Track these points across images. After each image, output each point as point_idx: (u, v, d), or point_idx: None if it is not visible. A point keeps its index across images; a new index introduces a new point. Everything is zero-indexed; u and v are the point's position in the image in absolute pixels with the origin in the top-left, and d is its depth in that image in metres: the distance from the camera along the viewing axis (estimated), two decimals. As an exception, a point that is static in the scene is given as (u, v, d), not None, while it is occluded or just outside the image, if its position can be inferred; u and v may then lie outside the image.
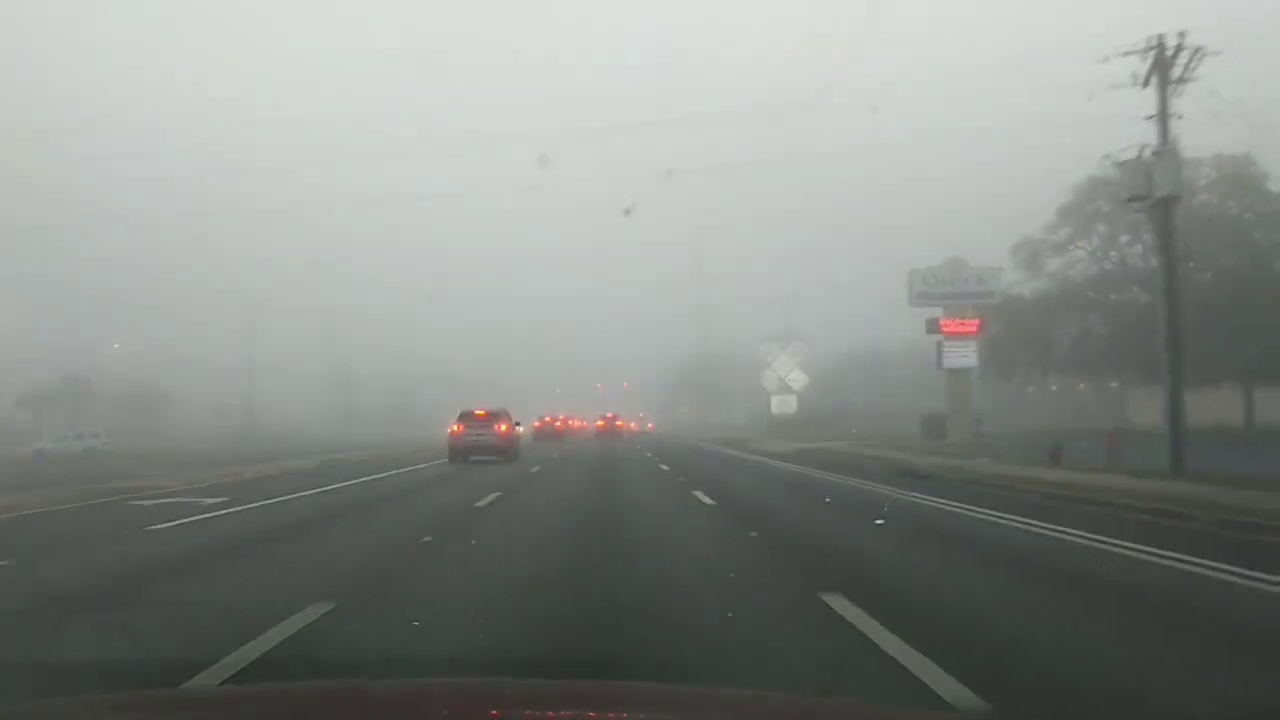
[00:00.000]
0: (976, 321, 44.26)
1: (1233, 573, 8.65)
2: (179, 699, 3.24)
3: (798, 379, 71.03)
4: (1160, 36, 20.39)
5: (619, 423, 74.14)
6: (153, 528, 13.33)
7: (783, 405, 70.74)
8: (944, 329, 44.36)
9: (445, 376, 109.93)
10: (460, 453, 30.41)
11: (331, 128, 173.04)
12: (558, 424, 70.94)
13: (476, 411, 32.40)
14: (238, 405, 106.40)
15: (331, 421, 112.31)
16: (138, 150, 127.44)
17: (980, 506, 15.11)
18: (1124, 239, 46.09)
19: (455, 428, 31.45)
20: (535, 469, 27.33)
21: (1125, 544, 10.63)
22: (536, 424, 68.11)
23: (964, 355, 43.05)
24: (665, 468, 27.51)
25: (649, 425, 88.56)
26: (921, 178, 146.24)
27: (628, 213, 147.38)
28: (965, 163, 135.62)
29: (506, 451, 30.85)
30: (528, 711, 2.66)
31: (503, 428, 31.77)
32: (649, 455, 37.13)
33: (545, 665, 5.36)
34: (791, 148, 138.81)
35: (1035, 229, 48.26)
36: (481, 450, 30.39)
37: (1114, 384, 62.97)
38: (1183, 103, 20.42)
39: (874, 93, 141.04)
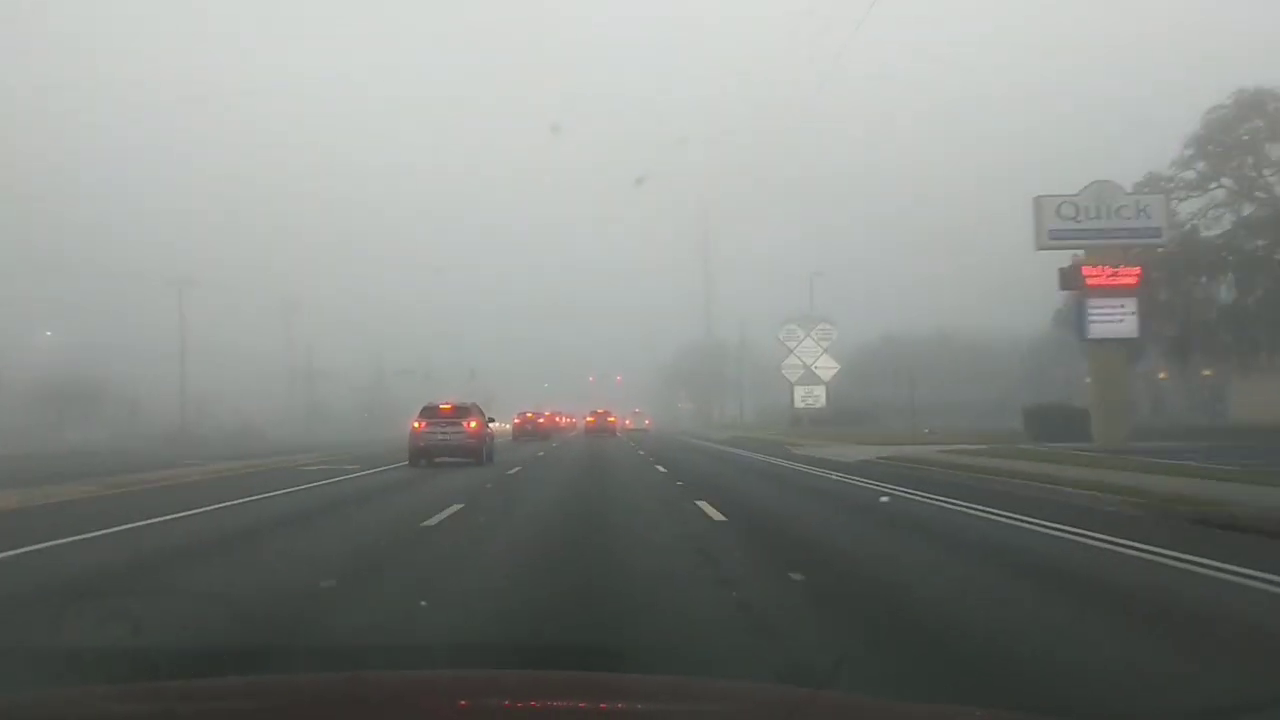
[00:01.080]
0: (1136, 270, 31.29)
1: None
2: (177, 691, 3.20)
3: (826, 367, 59.78)
4: None
5: (611, 419, 66.70)
6: None
7: (808, 398, 59.60)
8: (1088, 279, 31.34)
9: (423, 369, 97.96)
10: (422, 453, 26.47)
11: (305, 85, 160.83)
12: (541, 420, 62.66)
13: (441, 406, 28.12)
14: (190, 399, 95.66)
15: (296, 418, 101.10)
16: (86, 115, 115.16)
17: None
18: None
19: (416, 424, 27.28)
20: (514, 470, 24.28)
21: None
22: (516, 420, 59.83)
23: (1118, 319, 30.60)
24: (679, 483, 20.33)
25: (646, 422, 77.52)
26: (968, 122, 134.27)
27: (639, 182, 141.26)
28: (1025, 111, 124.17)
29: (476, 452, 26.74)
30: (523, 702, 2.67)
31: (472, 424, 27.32)
32: (643, 455, 32.44)
33: None
34: (813, 107, 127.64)
35: (1161, 164, 36.69)
36: (447, 451, 26.57)
37: (1206, 371, 51.75)
38: None
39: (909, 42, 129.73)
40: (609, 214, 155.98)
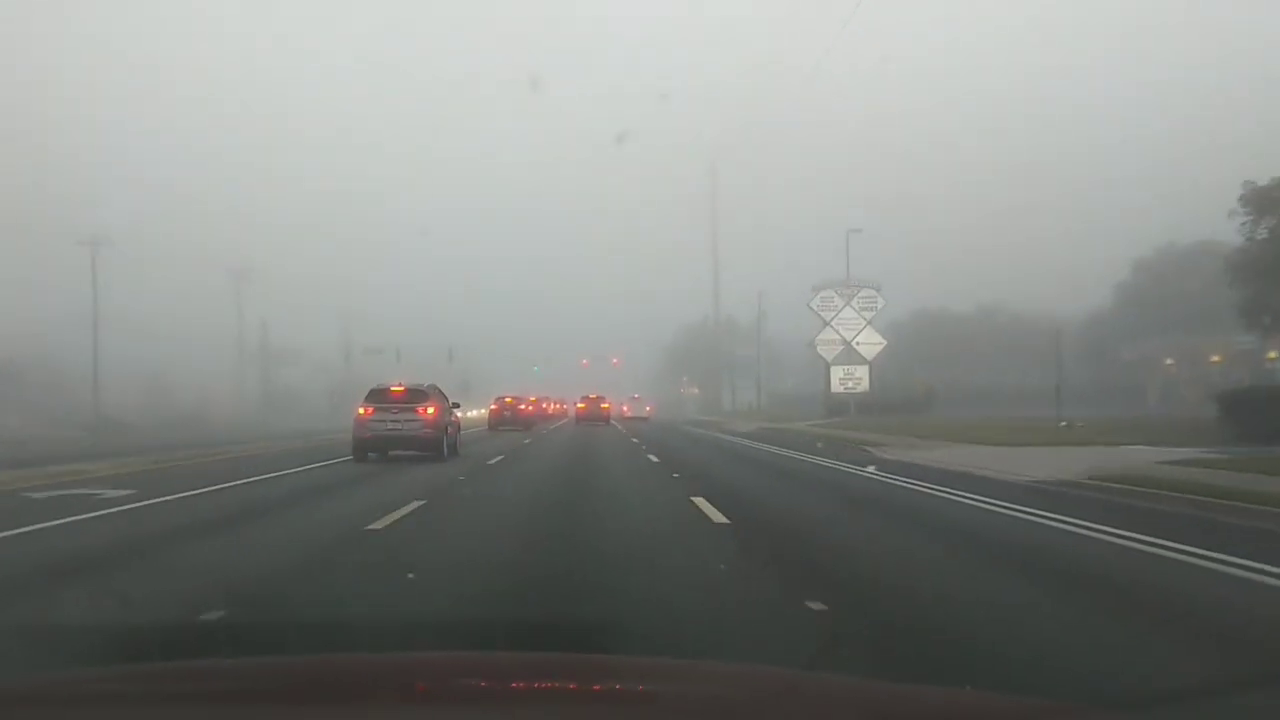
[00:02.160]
0: None
1: None
2: (167, 672, 3.23)
3: (870, 343, 48.87)
4: None
5: (604, 405, 57.71)
6: None
7: (847, 381, 48.74)
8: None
9: (395, 348, 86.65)
10: (367, 446, 21.86)
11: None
12: (524, 407, 52.72)
13: (391, 388, 23.20)
14: (148, 379, 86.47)
15: (251, 403, 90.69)
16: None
17: None
18: None
19: (361, 411, 22.40)
20: (461, 477, 17.95)
21: None
22: (493, 407, 51.25)
23: None
24: (725, 522, 11.01)
25: (647, 409, 66.57)
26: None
27: (620, 140, 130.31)
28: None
29: (433, 444, 21.91)
30: (518, 683, 2.73)
31: (429, 411, 22.28)
32: (647, 454, 24.84)
33: None
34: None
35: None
36: (398, 443, 21.85)
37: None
38: None
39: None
40: (601, 185, 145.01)
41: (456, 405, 25.34)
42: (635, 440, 33.08)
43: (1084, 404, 52.08)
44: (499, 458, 23.18)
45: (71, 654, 5.22)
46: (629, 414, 65.75)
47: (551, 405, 73.96)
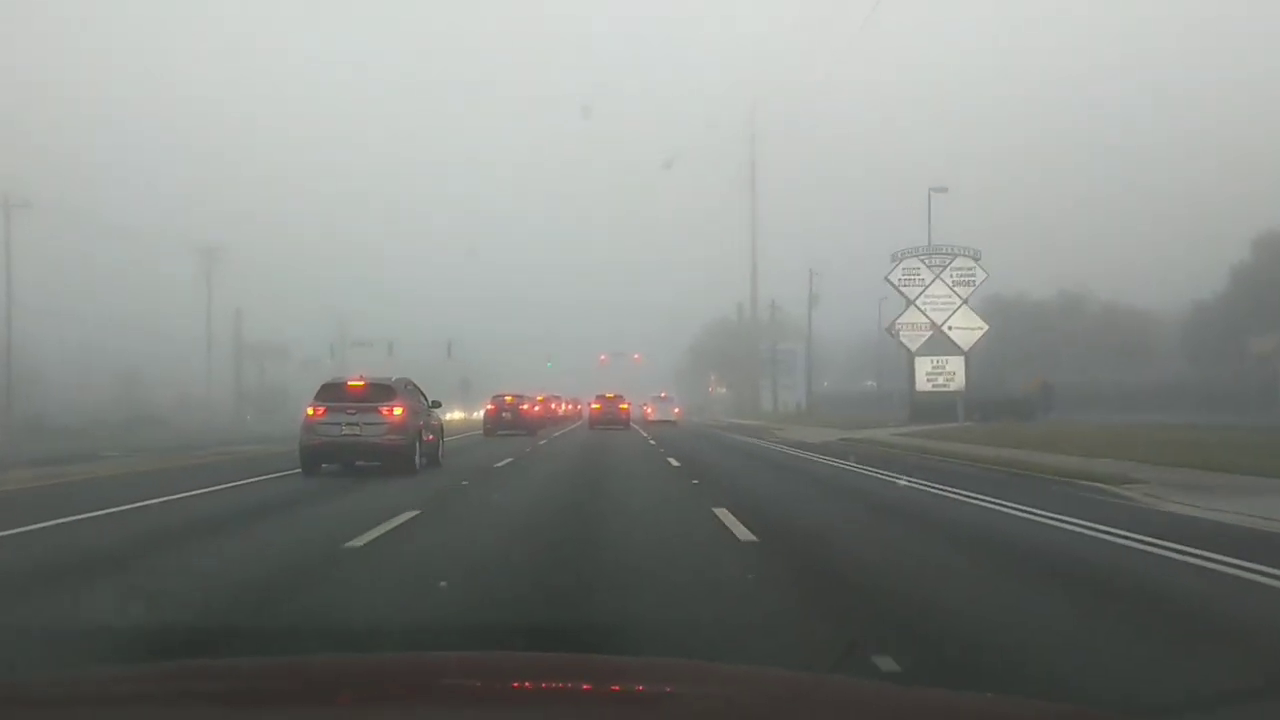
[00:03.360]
0: None
1: None
2: (179, 671, 3.24)
3: (968, 326, 37.72)
4: None
5: (623, 405, 47.39)
6: None
7: (938, 376, 37.52)
8: None
9: (389, 340, 76.09)
10: (317, 455, 17.63)
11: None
12: (526, 407, 42.47)
13: (349, 383, 18.85)
14: (120, 376, 78.69)
15: (225, 400, 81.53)
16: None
17: None
18: None
19: (310, 411, 17.90)
20: (431, 504, 12.71)
21: None
22: (489, 407, 41.84)
23: None
24: None
25: (675, 411, 55.51)
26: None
27: (668, 166, 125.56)
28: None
29: (400, 453, 17.50)
30: (527, 683, 2.70)
31: (395, 412, 17.55)
32: (688, 477, 17.06)
33: None
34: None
35: None
36: (356, 451, 17.68)
37: None
38: None
39: None
40: (633, 185, 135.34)
41: (436, 404, 20.76)
42: (667, 455, 22.89)
43: (1212, 407, 41.15)
44: (476, 476, 17.55)
45: None
46: (653, 417, 54.89)
47: (562, 405, 63.23)
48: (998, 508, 11.72)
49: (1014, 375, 57.21)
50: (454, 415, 73.70)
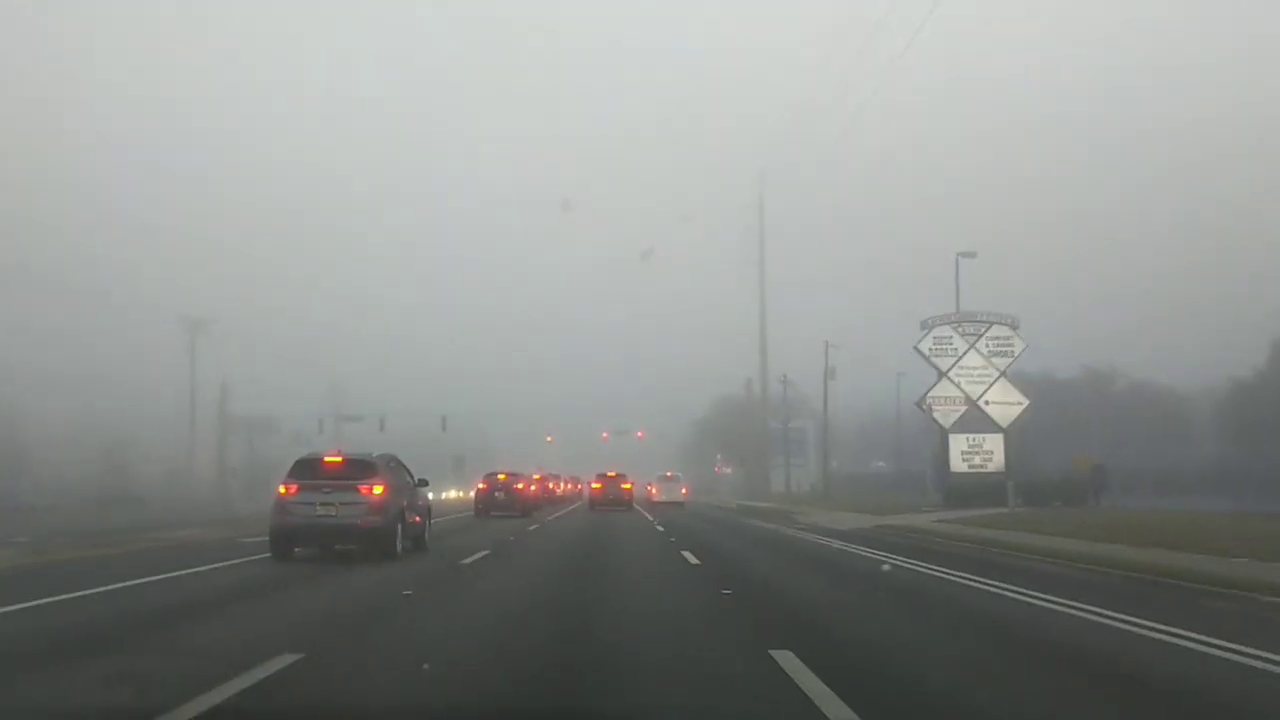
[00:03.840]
0: None
1: None
2: None
3: (1008, 401, 34.10)
4: None
5: (625, 485, 44.32)
6: None
7: (974, 455, 34.03)
8: None
9: (379, 415, 72.60)
10: (289, 538, 16.38)
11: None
12: (520, 486, 38.96)
13: (325, 459, 17.29)
14: (104, 449, 75.62)
15: (209, 475, 78.14)
16: None
17: None
18: None
19: (282, 490, 16.72)
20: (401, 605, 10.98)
21: None
22: (480, 486, 38.44)
23: None
24: None
25: (682, 491, 51.61)
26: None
27: (645, 257, 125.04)
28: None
29: (379, 536, 16.17)
30: None
31: (375, 491, 16.34)
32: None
33: None
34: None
35: None
36: (332, 534, 16.38)
37: None
38: None
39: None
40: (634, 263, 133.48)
41: (424, 483, 19.38)
42: (680, 546, 19.49)
43: (1261, 491, 37.48)
44: (476, 555, 16.83)
45: None
46: (658, 497, 51.07)
47: (562, 485, 59.52)
48: (1216, 652, 7.75)
49: (1044, 456, 53.56)
50: (450, 494, 70.04)
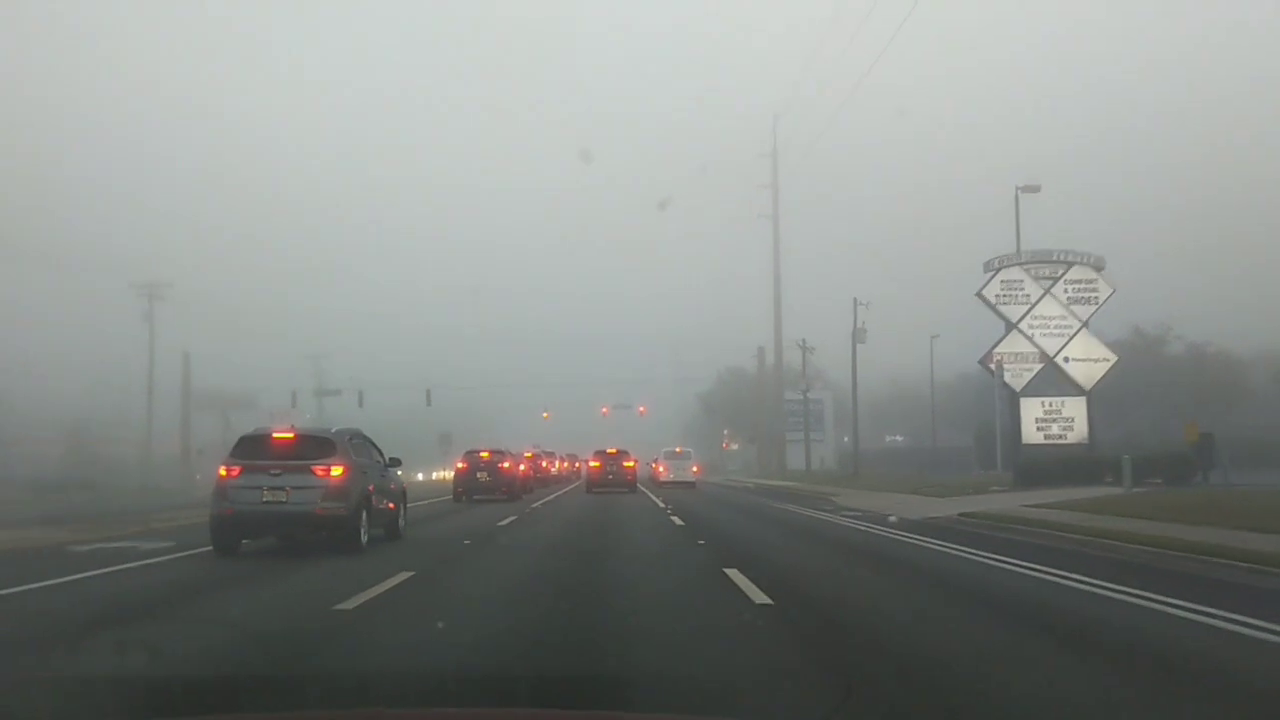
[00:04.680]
0: None
1: None
2: None
3: (1091, 359, 27.61)
4: None
5: (628, 464, 38.81)
6: None
7: (1050, 423, 27.59)
8: None
9: (359, 392, 66.42)
10: (234, 528, 14.35)
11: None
12: (507, 465, 33.03)
13: (274, 435, 15.18)
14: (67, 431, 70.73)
15: (173, 456, 72.26)
16: None
17: None
18: None
19: (223, 471, 14.70)
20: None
21: None
22: (459, 465, 33.13)
23: None
24: None
25: (693, 469, 45.46)
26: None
27: (663, 206, 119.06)
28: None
29: (338, 525, 14.16)
30: None
31: (334, 472, 14.42)
32: None
33: None
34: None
35: None
36: (282, 522, 14.38)
37: None
38: None
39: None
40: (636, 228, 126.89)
41: (395, 462, 16.93)
42: (699, 538, 15.37)
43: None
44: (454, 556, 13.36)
45: None
46: (664, 477, 44.97)
47: (556, 463, 53.33)
48: None
49: (1105, 427, 47.33)
50: (441, 475, 64.03)
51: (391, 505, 15.98)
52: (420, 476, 62.00)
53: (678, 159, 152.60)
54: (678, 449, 48.55)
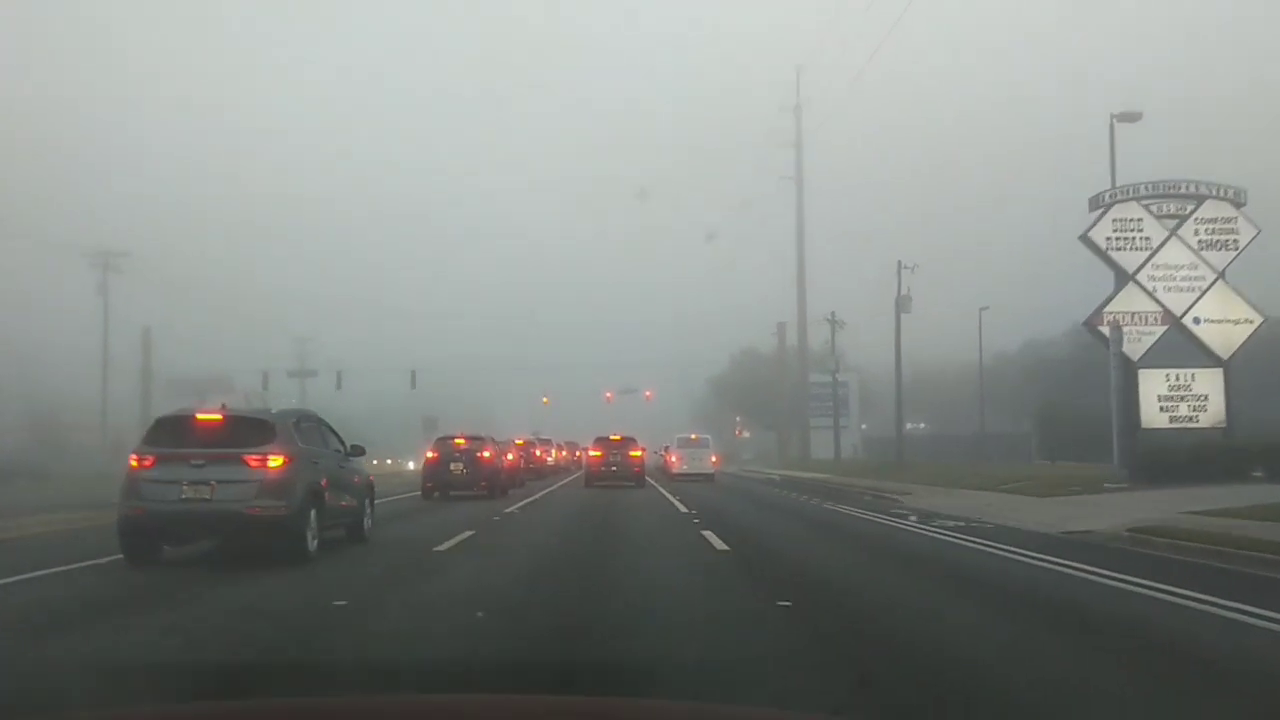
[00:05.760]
0: None
1: None
2: (177, 715, 3.16)
3: (1231, 319, 20.76)
4: None
5: (635, 453, 32.68)
6: None
7: (1177, 401, 21.07)
8: None
9: (337, 373, 60.12)
10: (145, 532, 12.02)
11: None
12: (488, 455, 27.05)
13: (197, 416, 12.87)
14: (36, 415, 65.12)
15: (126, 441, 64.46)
16: None
17: None
18: None
19: (133, 462, 12.31)
20: None
21: None
22: (430, 454, 27.39)
23: None
24: None
25: (712, 459, 39.17)
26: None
27: (641, 196, 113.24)
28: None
29: (277, 528, 11.78)
30: None
31: (273, 462, 11.98)
32: None
33: None
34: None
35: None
36: (205, 527, 12.04)
37: None
38: None
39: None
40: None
41: (358, 451, 14.63)
42: (779, 597, 8.19)
43: None
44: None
45: None
46: (678, 468, 38.62)
47: (552, 452, 46.92)
48: None
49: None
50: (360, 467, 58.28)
51: (349, 503, 13.62)
52: (413, 465, 56.45)
53: (685, 130, 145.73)
54: (693, 435, 42.08)
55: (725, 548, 12.20)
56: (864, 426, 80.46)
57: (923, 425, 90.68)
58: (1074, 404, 42.85)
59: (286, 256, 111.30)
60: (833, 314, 51.31)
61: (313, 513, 12.09)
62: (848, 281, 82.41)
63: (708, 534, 13.76)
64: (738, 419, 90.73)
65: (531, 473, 37.09)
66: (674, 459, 39.88)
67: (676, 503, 21.77)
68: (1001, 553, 12.21)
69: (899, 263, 39.42)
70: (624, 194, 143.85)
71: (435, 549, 12.69)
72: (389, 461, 55.47)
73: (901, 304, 39.49)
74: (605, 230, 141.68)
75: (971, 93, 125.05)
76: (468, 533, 14.36)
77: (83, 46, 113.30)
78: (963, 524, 16.45)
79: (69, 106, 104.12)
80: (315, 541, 11.93)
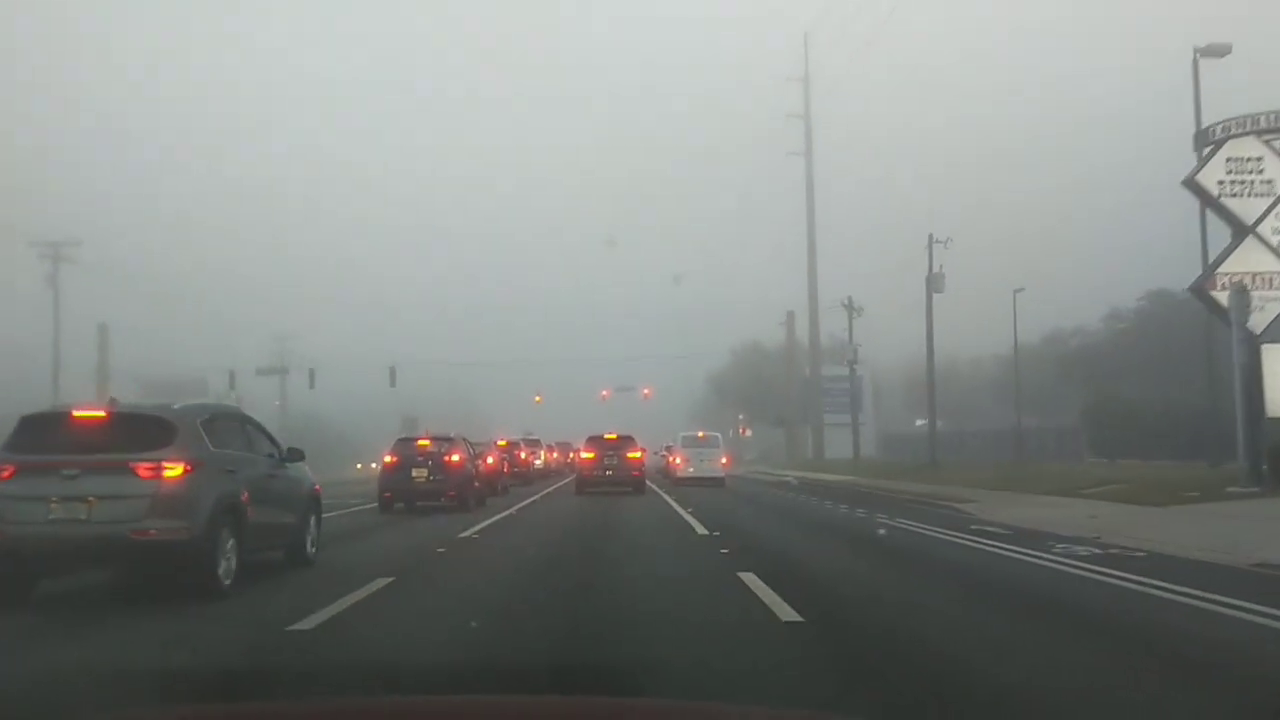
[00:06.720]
0: None
1: None
2: (178, 715, 3.20)
3: None
4: None
5: (633, 455, 28.41)
6: None
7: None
8: None
9: (310, 369, 55.56)
10: (8, 561, 9.29)
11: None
12: (456, 459, 22.14)
13: (74, 415, 10.18)
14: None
15: None
16: None
17: None
18: None
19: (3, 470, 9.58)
20: None
21: None
22: (387, 459, 22.90)
23: None
24: None
25: (723, 460, 34.41)
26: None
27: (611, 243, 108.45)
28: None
29: (179, 556, 9.27)
30: None
31: (169, 472, 9.33)
32: None
33: None
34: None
35: None
36: (81, 554, 9.24)
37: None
38: None
39: None
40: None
41: (296, 455, 12.20)
42: None
43: None
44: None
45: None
46: (683, 470, 34.07)
47: (541, 454, 42.18)
48: None
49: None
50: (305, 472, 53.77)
51: (289, 519, 11.51)
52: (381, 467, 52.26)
53: (685, 119, 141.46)
54: (700, 433, 37.43)
55: (794, 616, 7.21)
56: (866, 423, 76.32)
57: (923, 422, 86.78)
58: (1124, 396, 38.79)
59: (264, 251, 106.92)
60: (849, 298, 46.85)
61: (224, 533, 9.75)
62: (855, 274, 78.24)
63: (749, 579, 9.00)
64: (741, 417, 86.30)
65: (517, 478, 32.65)
66: (678, 460, 35.22)
67: (688, 517, 17.18)
68: (1208, 606, 7.63)
69: (930, 236, 34.94)
70: (620, 184, 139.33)
71: (289, 628, 7.69)
72: (358, 466, 50.83)
73: (933, 283, 35.02)
74: (600, 222, 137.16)
75: (971, 91, 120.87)
76: (382, 580, 9.65)
77: (50, 33, 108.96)
78: (1087, 549, 11.85)
79: (40, 92, 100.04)
80: (230, 568, 9.56)
